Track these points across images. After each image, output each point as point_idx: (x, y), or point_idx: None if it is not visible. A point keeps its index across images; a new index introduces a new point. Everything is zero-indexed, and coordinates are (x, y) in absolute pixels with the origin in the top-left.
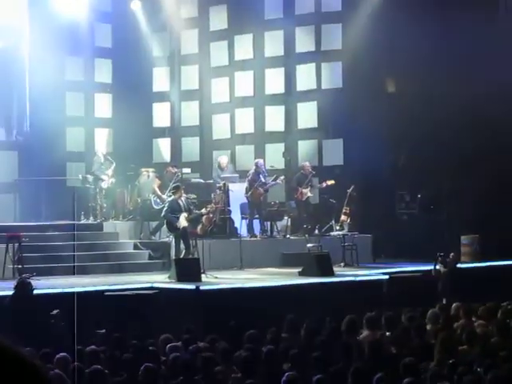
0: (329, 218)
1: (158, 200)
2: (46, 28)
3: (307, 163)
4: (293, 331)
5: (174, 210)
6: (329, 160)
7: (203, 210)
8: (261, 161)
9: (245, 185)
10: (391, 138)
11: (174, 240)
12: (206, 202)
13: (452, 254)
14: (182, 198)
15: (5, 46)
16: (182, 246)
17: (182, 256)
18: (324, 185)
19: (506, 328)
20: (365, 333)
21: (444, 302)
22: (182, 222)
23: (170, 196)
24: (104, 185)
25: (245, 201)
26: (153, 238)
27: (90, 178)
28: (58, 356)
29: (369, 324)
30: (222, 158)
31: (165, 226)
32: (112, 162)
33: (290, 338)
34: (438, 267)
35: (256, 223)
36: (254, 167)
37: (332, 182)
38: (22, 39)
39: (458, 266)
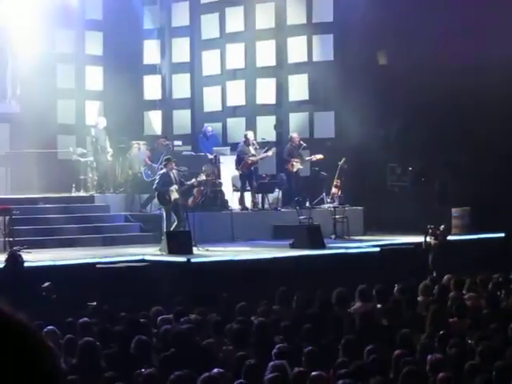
0: (320, 190)
1: (149, 172)
2: (37, 0)
3: (295, 134)
4: (284, 303)
5: (166, 182)
6: (320, 132)
7: (193, 180)
8: (250, 133)
9: (235, 157)
10: (383, 110)
11: (165, 213)
12: (196, 174)
13: (442, 226)
14: (174, 171)
15: None
16: (173, 218)
17: (173, 229)
18: (314, 159)
19: (496, 300)
20: (356, 305)
21: (434, 274)
22: (173, 194)
23: (161, 168)
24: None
25: (236, 173)
26: (144, 210)
27: (81, 150)
28: (45, 329)
29: (360, 296)
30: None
31: (156, 198)
32: (105, 135)
33: (281, 311)
34: (428, 240)
35: (247, 196)
36: (244, 139)
37: (321, 156)
38: (13, 12)
39: (449, 238)
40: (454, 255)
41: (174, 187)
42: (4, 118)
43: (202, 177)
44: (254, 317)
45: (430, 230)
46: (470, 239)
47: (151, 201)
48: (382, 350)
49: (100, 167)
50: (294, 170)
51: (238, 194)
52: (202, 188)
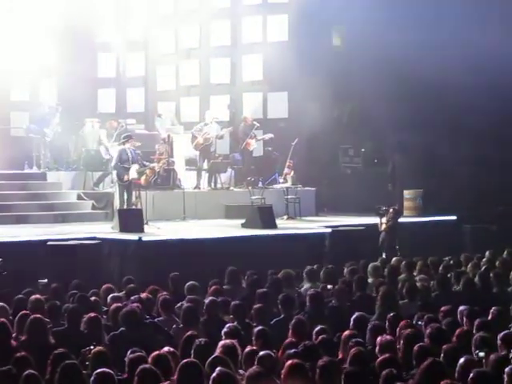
0: (272, 170)
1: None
2: None
3: (249, 115)
4: (234, 283)
5: (123, 160)
6: (273, 113)
7: (155, 165)
8: (209, 112)
9: (191, 136)
10: (336, 91)
11: (118, 190)
12: (150, 154)
13: (392, 208)
14: (131, 149)
15: None
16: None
17: (125, 207)
18: (266, 137)
19: (446, 282)
20: (306, 285)
21: (384, 256)
22: (132, 173)
23: (113, 146)
24: (48, 136)
25: (190, 153)
26: (96, 188)
27: (33, 127)
28: None
29: (309, 277)
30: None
31: (111, 176)
32: (57, 111)
33: (231, 290)
34: (379, 221)
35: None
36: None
37: (271, 135)
38: None
39: (400, 220)
40: (404, 237)
41: (135, 167)
42: None
43: (164, 162)
44: (205, 296)
45: (381, 212)
46: (422, 221)
47: (104, 179)
48: (331, 330)
49: (53, 144)
50: (251, 148)
51: (193, 173)
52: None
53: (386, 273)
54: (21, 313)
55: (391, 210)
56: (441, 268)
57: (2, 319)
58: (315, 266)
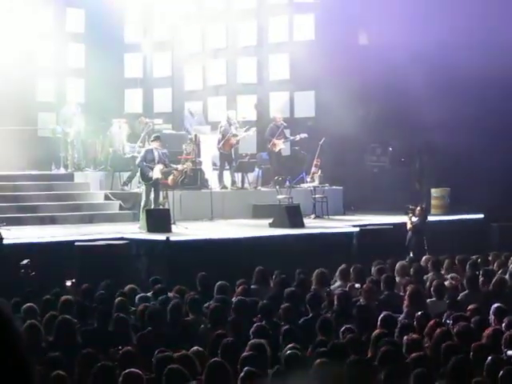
0: (300, 169)
1: (130, 149)
2: None
3: (279, 115)
4: (262, 283)
5: (148, 159)
6: (300, 112)
7: (179, 166)
8: (232, 112)
9: (216, 136)
10: (363, 90)
11: (144, 190)
12: (177, 154)
13: (419, 206)
14: (159, 149)
15: None
16: (152, 196)
17: (152, 207)
18: (298, 138)
19: (474, 281)
20: (336, 284)
21: (412, 254)
22: (156, 173)
23: (141, 146)
24: (71, 136)
25: (216, 152)
26: (125, 188)
27: (59, 128)
28: (24, 306)
29: (340, 276)
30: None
31: (138, 175)
32: (80, 112)
33: (259, 290)
34: (407, 220)
35: (226, 175)
36: (226, 118)
37: (305, 135)
38: None
39: (428, 219)
40: (432, 236)
41: (159, 167)
42: None
43: (189, 164)
44: (233, 295)
45: (409, 210)
46: (449, 220)
47: (132, 179)
48: (359, 329)
49: (80, 145)
50: (277, 149)
51: (217, 172)
52: (184, 167)
53: (412, 272)
54: (49, 313)
55: (418, 209)
56: (468, 266)
57: (32, 321)
58: (343, 265)
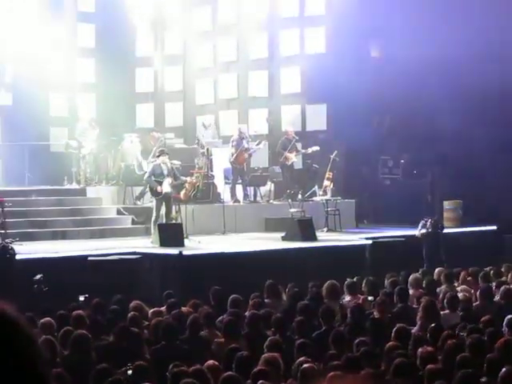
0: (312, 183)
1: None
2: None
3: (290, 128)
4: (274, 296)
5: (157, 174)
6: (312, 125)
7: (188, 178)
8: (243, 126)
9: (228, 150)
10: (375, 103)
11: (155, 204)
12: (189, 168)
13: (431, 219)
14: (167, 163)
15: None
16: (164, 210)
17: (164, 221)
18: (310, 150)
19: (488, 293)
20: (347, 298)
21: (425, 267)
22: (166, 187)
23: (154, 161)
24: (85, 151)
25: (228, 166)
26: (138, 203)
27: (73, 143)
28: (42, 320)
29: (350, 289)
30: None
31: (148, 190)
32: (95, 127)
33: (272, 303)
34: (423, 232)
35: (239, 189)
36: (238, 133)
37: (317, 148)
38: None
39: (441, 231)
40: (445, 248)
41: (168, 180)
42: None
43: (198, 175)
44: (246, 309)
45: (423, 223)
46: (462, 232)
47: (145, 193)
48: (372, 342)
49: (92, 160)
50: (289, 162)
51: (230, 186)
52: (195, 181)
53: (424, 284)
54: (64, 328)
55: (430, 221)
56: (481, 278)
57: (48, 336)
58: (355, 278)
